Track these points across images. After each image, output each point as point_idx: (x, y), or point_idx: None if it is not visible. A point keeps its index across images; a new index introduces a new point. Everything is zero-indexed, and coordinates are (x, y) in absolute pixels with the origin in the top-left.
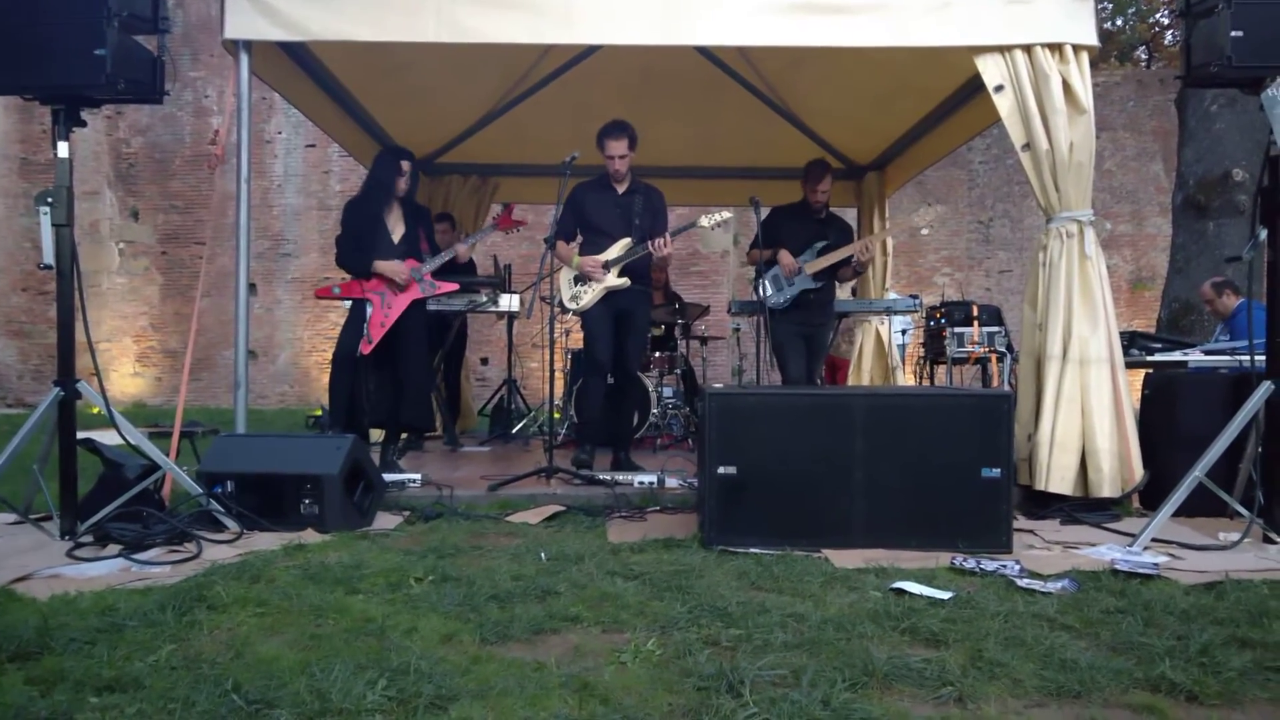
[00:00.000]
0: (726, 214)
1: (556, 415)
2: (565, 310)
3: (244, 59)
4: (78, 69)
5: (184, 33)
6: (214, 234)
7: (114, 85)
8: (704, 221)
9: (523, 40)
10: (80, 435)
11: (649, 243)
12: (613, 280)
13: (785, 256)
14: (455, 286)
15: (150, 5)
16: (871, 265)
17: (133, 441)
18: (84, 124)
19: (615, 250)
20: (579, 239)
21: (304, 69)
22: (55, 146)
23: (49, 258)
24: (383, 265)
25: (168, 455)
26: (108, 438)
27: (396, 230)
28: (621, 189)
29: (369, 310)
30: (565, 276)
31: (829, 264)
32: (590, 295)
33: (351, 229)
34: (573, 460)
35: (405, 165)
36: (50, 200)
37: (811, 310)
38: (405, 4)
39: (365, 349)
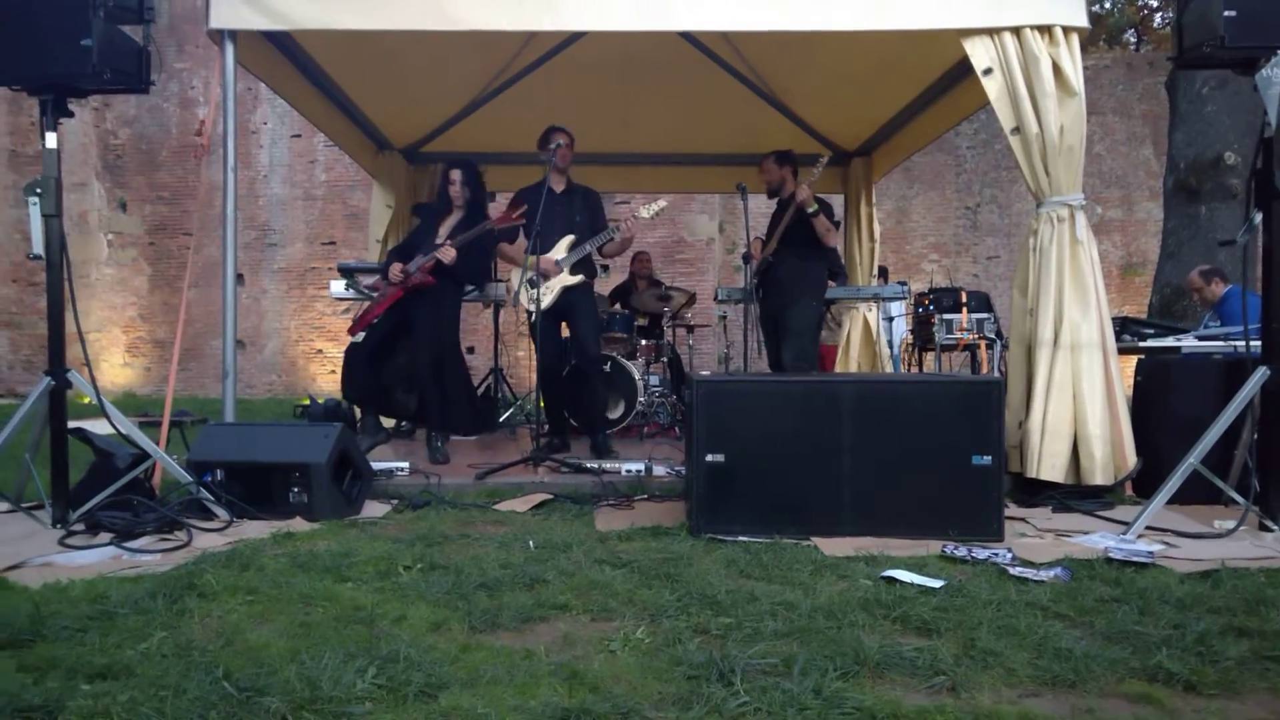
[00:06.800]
0: (662, 203)
1: (543, 404)
2: (529, 313)
3: (229, 49)
4: (64, 59)
5: (169, 23)
6: (201, 224)
7: (100, 75)
8: (643, 212)
9: (507, 27)
10: (71, 425)
11: (618, 224)
12: (567, 278)
13: (755, 246)
14: (431, 281)
15: None
16: (859, 250)
17: (123, 430)
18: (71, 114)
19: (562, 249)
20: (522, 240)
21: (289, 58)
22: (43, 137)
23: (38, 248)
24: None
25: (157, 444)
26: (98, 427)
27: (444, 232)
28: (560, 189)
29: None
30: (518, 277)
31: (779, 235)
32: (551, 295)
33: (411, 235)
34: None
35: (455, 175)
36: (39, 191)
37: (770, 291)
38: None
39: (350, 332)
